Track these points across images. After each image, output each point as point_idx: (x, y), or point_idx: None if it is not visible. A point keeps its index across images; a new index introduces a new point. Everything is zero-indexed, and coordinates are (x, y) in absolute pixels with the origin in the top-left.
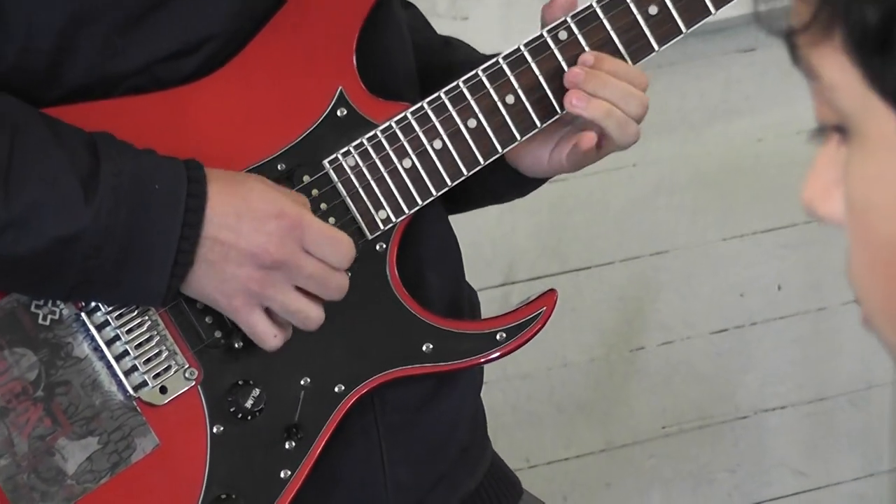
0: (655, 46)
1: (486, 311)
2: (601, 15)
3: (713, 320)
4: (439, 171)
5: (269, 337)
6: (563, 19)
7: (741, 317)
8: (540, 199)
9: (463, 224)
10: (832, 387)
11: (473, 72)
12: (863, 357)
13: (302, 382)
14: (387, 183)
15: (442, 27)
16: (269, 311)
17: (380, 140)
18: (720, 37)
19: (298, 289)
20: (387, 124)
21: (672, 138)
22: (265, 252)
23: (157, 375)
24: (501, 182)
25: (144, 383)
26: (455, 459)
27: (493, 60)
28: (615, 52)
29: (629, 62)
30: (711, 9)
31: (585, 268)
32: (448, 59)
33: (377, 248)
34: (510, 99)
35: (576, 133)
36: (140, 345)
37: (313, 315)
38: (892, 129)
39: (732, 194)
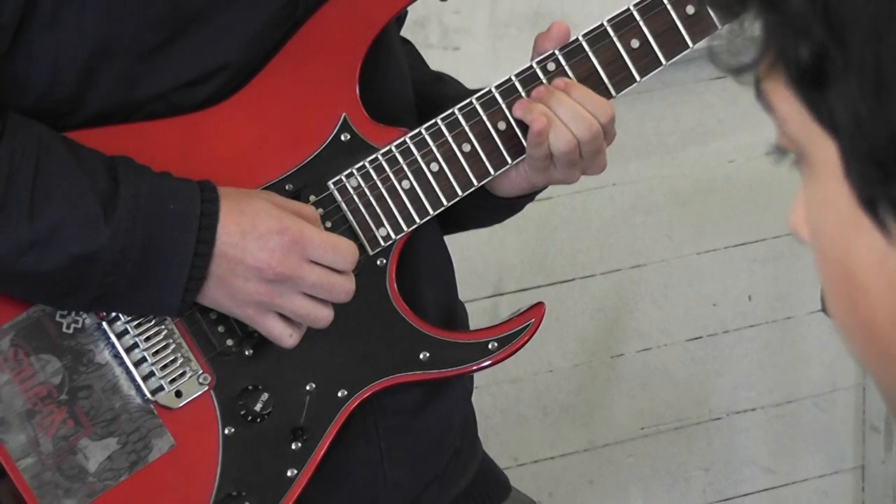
0: (637, 77)
1: (477, 320)
2: (587, 48)
3: (688, 329)
4: (436, 192)
5: (286, 337)
6: (551, 51)
7: (714, 325)
8: (526, 216)
9: (455, 240)
10: (799, 390)
11: (468, 100)
12: (827, 363)
13: (307, 388)
14: (387, 202)
15: (434, 57)
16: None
17: (380, 163)
18: (694, 65)
19: (307, 295)
20: (387, 148)
21: (649, 160)
22: (269, 267)
23: (173, 380)
24: (482, 210)
25: (161, 388)
26: (448, 460)
27: (486, 90)
28: (599, 83)
29: (613, 92)
30: (689, 43)
31: (569, 280)
32: (440, 93)
33: (378, 263)
34: (502, 125)
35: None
36: (157, 352)
37: (322, 315)
38: (833, 157)
39: (706, 212)
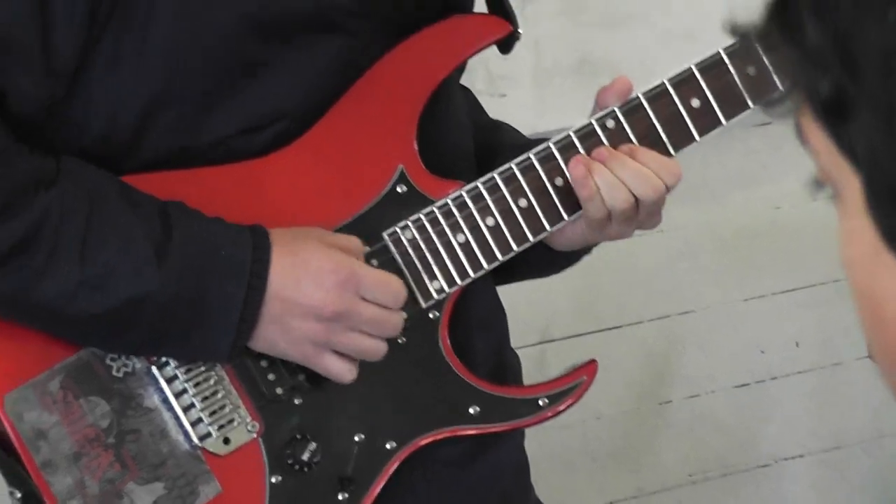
0: (696, 137)
1: (524, 367)
2: (646, 106)
3: (735, 375)
4: (491, 247)
5: (346, 373)
6: (611, 109)
7: (761, 371)
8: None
9: (503, 287)
10: (847, 436)
11: (525, 155)
12: (875, 408)
13: (356, 438)
14: (441, 256)
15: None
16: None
17: (436, 216)
18: None
19: (361, 331)
20: (443, 201)
21: (695, 206)
22: (325, 305)
23: (222, 427)
24: (538, 261)
25: (209, 434)
26: None
27: (545, 145)
28: (658, 141)
29: (671, 151)
30: (749, 103)
31: (616, 327)
32: (499, 141)
33: (430, 315)
34: (559, 181)
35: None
36: (206, 398)
37: (378, 349)
38: (858, 190)
39: (752, 257)
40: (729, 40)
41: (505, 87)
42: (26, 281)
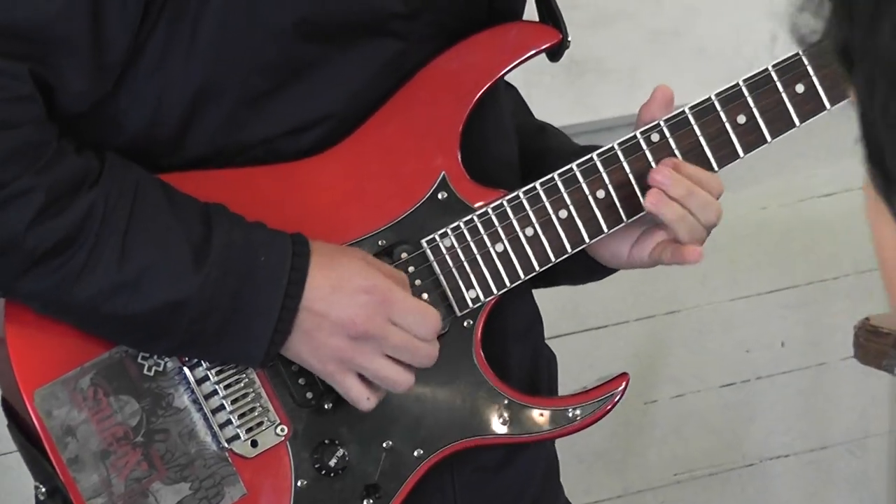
0: (741, 153)
1: None
2: (692, 121)
3: (721, 375)
4: (529, 257)
5: (363, 399)
6: (656, 122)
7: (747, 371)
8: None
9: None
10: (832, 436)
11: (568, 166)
12: (861, 409)
13: (384, 445)
14: (479, 265)
15: None
16: (362, 376)
17: (475, 224)
18: None
19: (389, 356)
20: (483, 210)
21: None
22: (353, 324)
23: (250, 430)
24: (580, 269)
25: (237, 436)
26: None
27: (588, 157)
28: (702, 156)
29: (715, 167)
30: (797, 122)
31: (602, 326)
32: (543, 146)
33: (465, 324)
34: (601, 194)
35: (654, 230)
36: (236, 400)
37: (402, 380)
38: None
39: (739, 258)
40: (715, 39)
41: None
42: (64, 280)
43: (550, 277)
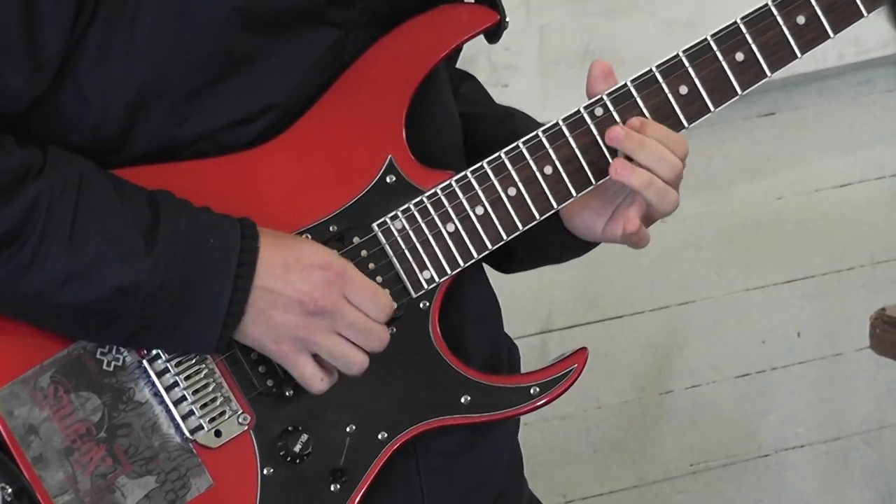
0: (685, 123)
1: (525, 356)
2: (634, 94)
3: (737, 365)
4: (481, 236)
5: (316, 380)
6: (599, 97)
7: (763, 362)
8: None
9: (504, 277)
10: (848, 427)
11: (514, 144)
12: (876, 399)
13: (347, 429)
14: (431, 245)
15: None
16: (316, 358)
17: (425, 206)
18: (743, 102)
19: (343, 337)
20: (432, 191)
21: (699, 197)
22: (310, 299)
23: (213, 420)
24: (557, 244)
25: (200, 427)
26: (492, 502)
27: (533, 134)
28: (671, 114)
29: (686, 124)
30: (738, 90)
31: (618, 317)
32: (512, 129)
33: (421, 305)
34: (548, 170)
35: (629, 205)
36: (197, 391)
37: (357, 359)
38: None
39: (755, 248)
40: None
41: (508, 77)
42: (13, 273)
43: (532, 259)
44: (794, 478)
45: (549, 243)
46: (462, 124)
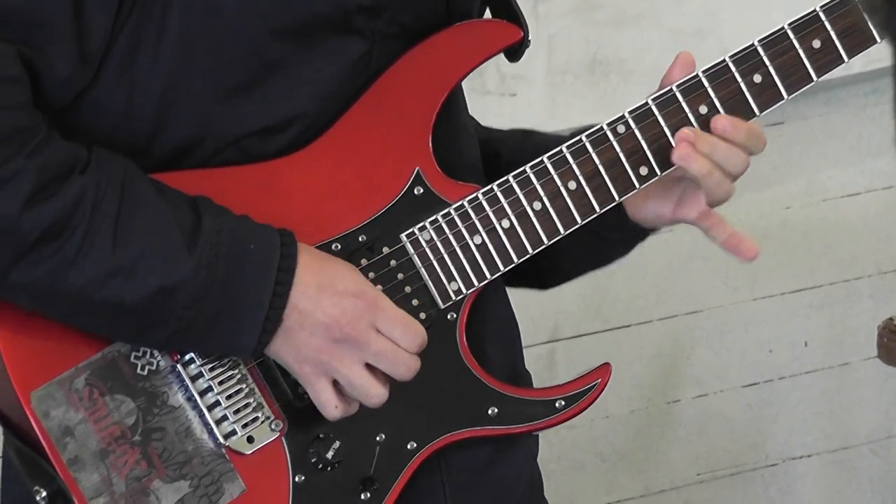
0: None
1: (533, 366)
2: (656, 112)
3: (744, 375)
4: (507, 248)
5: (331, 407)
6: (621, 114)
7: (770, 371)
8: None
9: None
10: (855, 436)
11: (539, 159)
12: (884, 409)
13: (378, 438)
14: (459, 257)
15: (491, 103)
16: (336, 383)
17: (453, 217)
18: None
19: (368, 367)
20: (459, 203)
21: None
22: (337, 325)
23: (246, 425)
24: (621, 240)
25: (233, 432)
26: None
27: (558, 149)
28: (668, 146)
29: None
30: (756, 111)
31: (625, 326)
32: (535, 143)
33: (448, 317)
34: (572, 185)
35: (692, 188)
36: (230, 396)
37: (374, 393)
38: None
39: (762, 258)
40: (737, 40)
41: (516, 87)
42: (58, 267)
43: (586, 263)
44: (801, 487)
45: (614, 240)
46: (482, 149)
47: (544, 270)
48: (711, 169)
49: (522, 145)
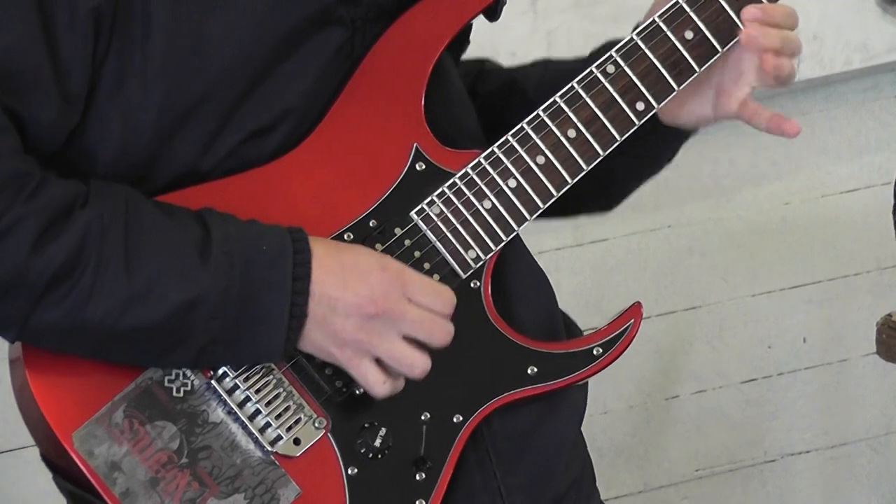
0: (696, 68)
1: None
2: (643, 46)
3: (743, 371)
4: (517, 207)
5: (379, 384)
6: (609, 54)
7: (769, 367)
8: (582, 258)
9: None
10: (854, 432)
11: (535, 113)
12: (882, 405)
13: (422, 417)
14: (471, 225)
15: None
16: (379, 361)
17: (459, 187)
18: None
19: (406, 338)
20: (463, 171)
21: (705, 202)
22: (370, 302)
23: (290, 428)
24: (664, 146)
25: (279, 437)
26: (568, 486)
27: (551, 101)
28: (660, 78)
29: (674, 86)
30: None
31: None
32: (553, 72)
33: (471, 285)
34: (571, 133)
35: (737, 79)
36: (269, 402)
37: (418, 363)
38: None
39: (761, 254)
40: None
41: None
42: (76, 304)
43: (638, 171)
44: (799, 483)
45: (658, 150)
46: (510, 88)
47: (599, 192)
48: (784, 35)
49: (542, 80)
